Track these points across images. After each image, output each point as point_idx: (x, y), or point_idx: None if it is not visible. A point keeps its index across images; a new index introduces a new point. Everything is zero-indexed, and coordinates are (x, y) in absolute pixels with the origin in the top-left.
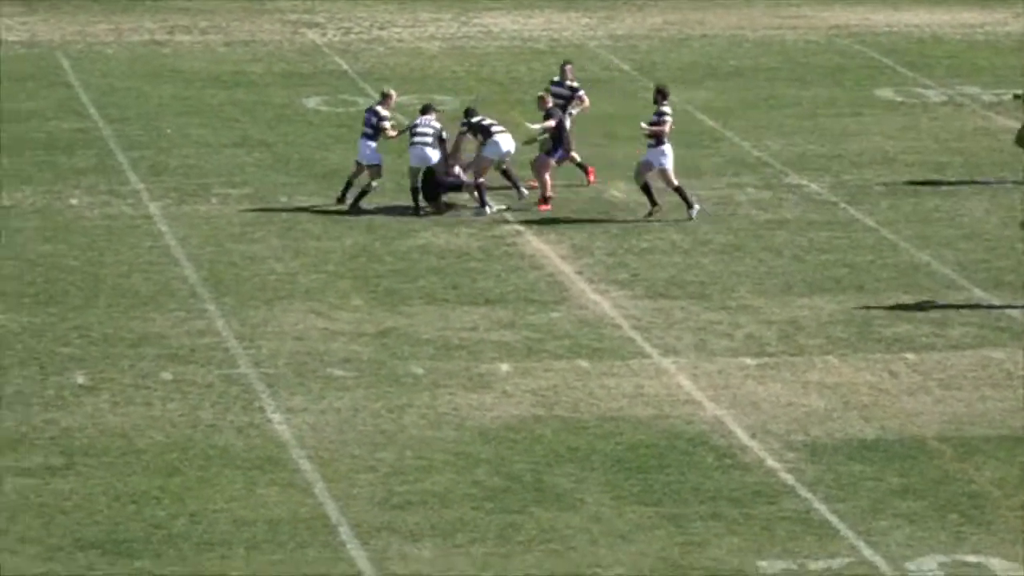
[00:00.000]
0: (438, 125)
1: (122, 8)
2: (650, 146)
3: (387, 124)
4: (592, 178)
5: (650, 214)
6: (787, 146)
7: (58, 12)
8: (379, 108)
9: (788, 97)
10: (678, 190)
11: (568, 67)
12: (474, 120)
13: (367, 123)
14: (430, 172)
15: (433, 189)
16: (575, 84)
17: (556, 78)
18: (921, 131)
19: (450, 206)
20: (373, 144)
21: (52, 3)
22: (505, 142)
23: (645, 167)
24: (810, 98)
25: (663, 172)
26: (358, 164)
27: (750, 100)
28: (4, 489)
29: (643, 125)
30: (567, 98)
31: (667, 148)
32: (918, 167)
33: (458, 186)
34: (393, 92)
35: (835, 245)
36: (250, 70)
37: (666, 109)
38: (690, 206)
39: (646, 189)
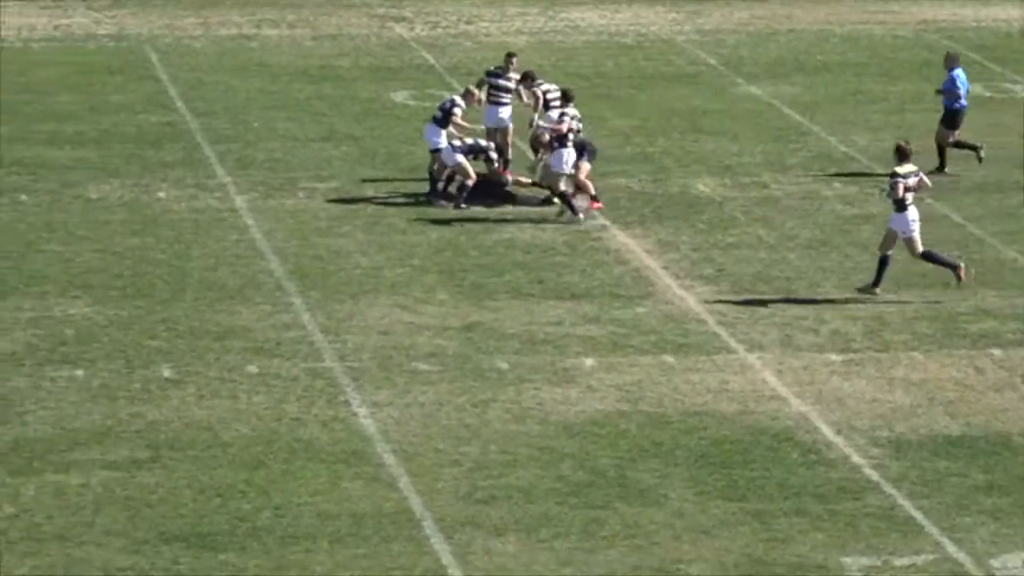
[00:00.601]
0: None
1: (210, 2)
2: (554, 148)
3: (458, 112)
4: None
5: (561, 212)
6: (874, 141)
7: (147, 6)
8: (457, 98)
9: (875, 92)
10: (562, 195)
11: (514, 58)
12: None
13: (440, 107)
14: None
15: (484, 191)
16: (517, 77)
17: (497, 67)
18: (1008, 126)
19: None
20: (438, 129)
21: None
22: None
23: (551, 174)
24: (897, 93)
25: (558, 176)
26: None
27: (837, 95)
28: (90, 482)
29: (540, 123)
30: (506, 90)
31: (568, 152)
32: (1004, 163)
33: (509, 196)
34: (476, 91)
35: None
36: (337, 64)
37: (569, 111)
38: (575, 212)
39: (563, 197)
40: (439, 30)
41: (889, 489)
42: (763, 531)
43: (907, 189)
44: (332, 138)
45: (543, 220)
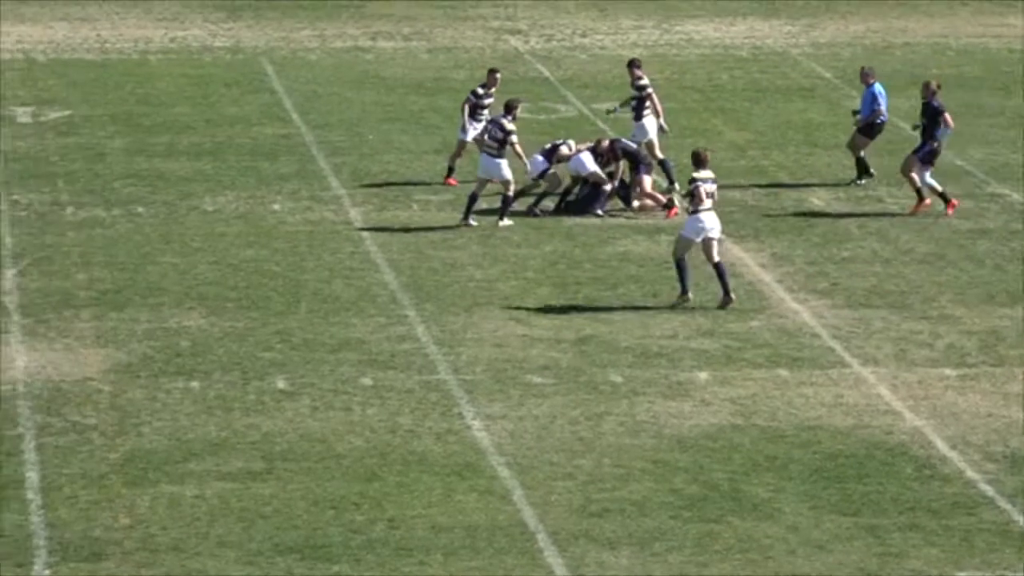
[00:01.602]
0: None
1: (326, 14)
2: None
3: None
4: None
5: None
6: (990, 155)
7: (263, 18)
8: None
9: (991, 106)
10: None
11: (497, 75)
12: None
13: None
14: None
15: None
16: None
17: (481, 86)
18: None
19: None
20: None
21: (257, 10)
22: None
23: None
24: (1013, 108)
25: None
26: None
27: (952, 109)
28: (205, 493)
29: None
30: (484, 107)
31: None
32: None
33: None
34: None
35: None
36: (452, 77)
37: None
38: (466, 218)
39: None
40: (554, 43)
41: (1004, 504)
42: (877, 545)
43: (708, 195)
44: (446, 150)
45: (658, 232)
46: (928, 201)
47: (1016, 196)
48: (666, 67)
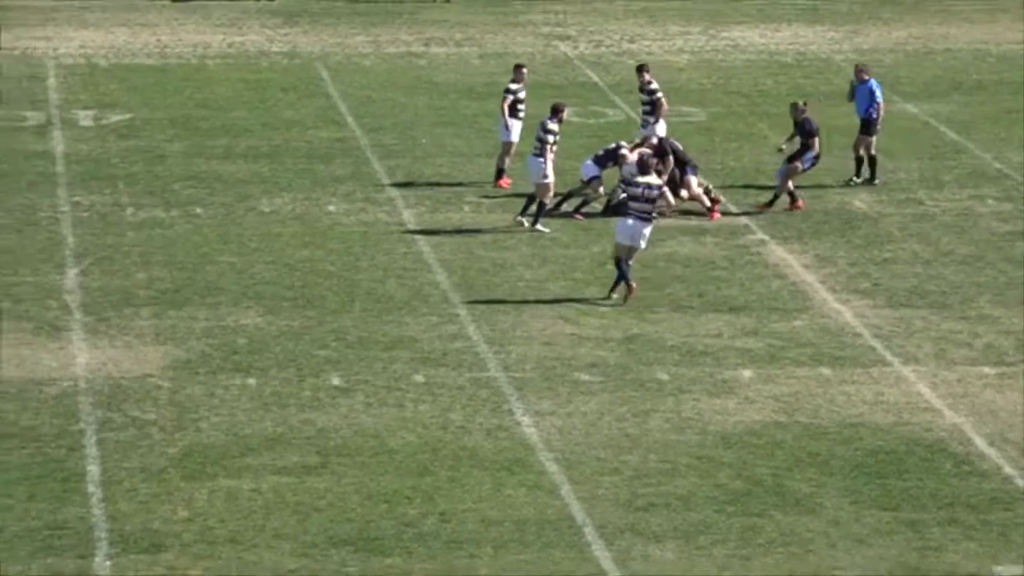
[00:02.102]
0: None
1: (380, 20)
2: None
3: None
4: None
5: None
6: None
7: (318, 25)
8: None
9: None
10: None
11: (524, 69)
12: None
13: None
14: None
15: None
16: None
17: (512, 82)
18: None
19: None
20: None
21: (313, 16)
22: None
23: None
24: None
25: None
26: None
27: (992, 113)
28: (261, 487)
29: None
30: (521, 102)
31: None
32: None
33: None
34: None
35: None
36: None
37: (549, 124)
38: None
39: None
40: (602, 48)
41: None
42: (916, 540)
43: (646, 200)
44: (497, 154)
45: (703, 234)
46: (801, 203)
47: None
48: (712, 72)
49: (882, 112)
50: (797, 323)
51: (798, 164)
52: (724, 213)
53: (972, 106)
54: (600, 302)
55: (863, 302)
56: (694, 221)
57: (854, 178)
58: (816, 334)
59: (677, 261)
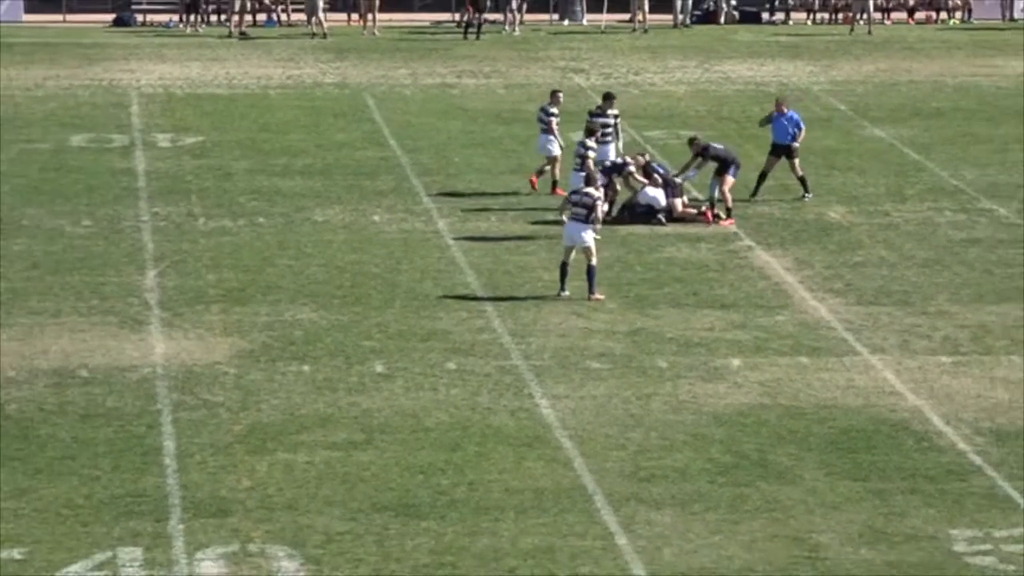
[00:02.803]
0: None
1: (418, 56)
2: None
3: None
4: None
5: None
6: (980, 176)
7: (365, 60)
8: (586, 140)
9: (982, 134)
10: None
11: (560, 95)
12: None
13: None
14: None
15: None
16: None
17: (549, 105)
18: None
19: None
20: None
21: (361, 53)
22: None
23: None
24: (1001, 135)
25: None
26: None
27: (949, 136)
28: (314, 460)
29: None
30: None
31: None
32: None
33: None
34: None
35: (1021, 261)
36: (525, 108)
37: (587, 142)
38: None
39: None
40: (611, 80)
41: (991, 472)
42: (883, 507)
43: (584, 206)
44: (520, 172)
45: (698, 240)
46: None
47: (1003, 211)
48: (707, 101)
49: (802, 137)
50: (779, 318)
51: (728, 176)
52: (715, 217)
53: (932, 130)
54: (608, 300)
55: (837, 300)
56: (692, 229)
57: (805, 195)
58: (796, 328)
59: (675, 264)
